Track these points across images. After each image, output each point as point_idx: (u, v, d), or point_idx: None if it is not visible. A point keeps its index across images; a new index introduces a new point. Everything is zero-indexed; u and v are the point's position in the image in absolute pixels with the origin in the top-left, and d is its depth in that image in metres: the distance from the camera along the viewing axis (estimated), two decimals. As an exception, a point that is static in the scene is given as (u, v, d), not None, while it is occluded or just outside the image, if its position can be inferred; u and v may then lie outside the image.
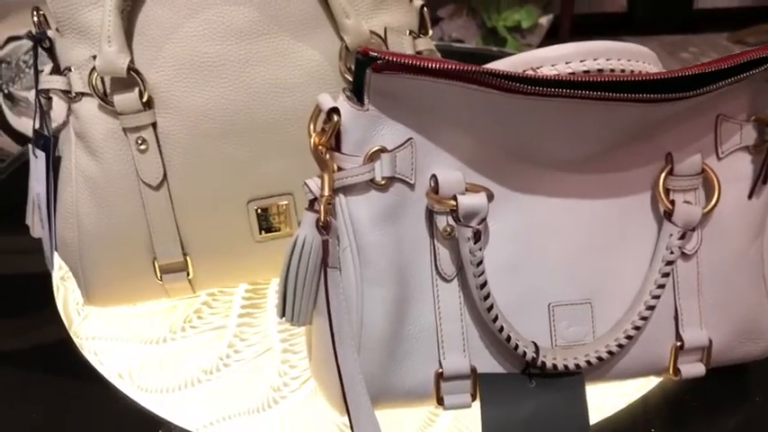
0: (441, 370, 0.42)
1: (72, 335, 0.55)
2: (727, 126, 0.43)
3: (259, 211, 0.51)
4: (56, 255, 0.53)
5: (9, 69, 1.19)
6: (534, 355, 0.41)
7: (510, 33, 1.77)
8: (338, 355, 0.38)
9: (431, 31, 0.53)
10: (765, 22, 2.06)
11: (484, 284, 0.40)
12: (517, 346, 0.41)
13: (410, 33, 0.52)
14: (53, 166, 0.50)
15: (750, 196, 0.44)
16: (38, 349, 0.56)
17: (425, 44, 0.52)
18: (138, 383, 0.51)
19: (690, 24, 2.16)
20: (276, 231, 0.52)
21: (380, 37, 0.50)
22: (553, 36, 1.82)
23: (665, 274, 0.42)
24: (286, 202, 0.51)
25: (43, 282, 0.58)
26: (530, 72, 0.39)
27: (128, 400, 0.50)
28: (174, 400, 0.50)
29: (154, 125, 0.48)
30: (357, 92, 0.38)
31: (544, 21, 1.81)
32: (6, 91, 1.18)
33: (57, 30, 0.47)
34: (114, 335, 0.55)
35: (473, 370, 0.42)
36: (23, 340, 0.57)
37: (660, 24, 2.13)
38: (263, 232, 0.52)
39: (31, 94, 0.97)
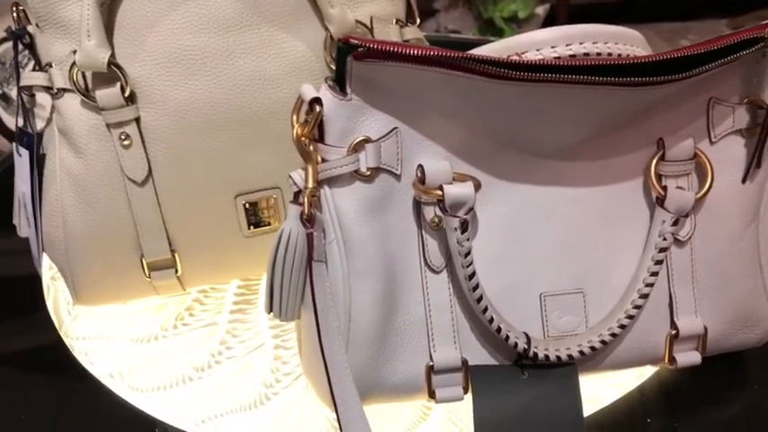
0: (431, 363, 0.41)
1: (62, 335, 0.54)
2: (719, 109, 0.42)
3: (247, 205, 0.50)
4: (45, 254, 0.52)
5: (3, 70, 1.18)
6: (526, 346, 0.41)
7: (507, 24, 1.76)
8: (325, 351, 0.37)
9: (418, 20, 0.52)
10: (764, 8, 2.04)
11: (472, 275, 0.39)
12: (508, 338, 0.40)
13: (397, 22, 0.51)
14: (38, 163, 0.50)
15: (744, 180, 0.43)
16: (29, 350, 0.55)
17: (413, 33, 0.51)
18: (130, 383, 0.51)
19: (688, 12, 2.14)
20: (265, 226, 0.51)
21: (366, 26, 0.49)
22: (550, 26, 1.81)
23: (659, 262, 0.42)
24: (274, 196, 0.51)
25: (33, 282, 0.58)
26: (514, 57, 0.38)
27: (119, 400, 0.49)
28: (166, 398, 0.49)
29: (137, 120, 0.47)
30: (339, 81, 0.38)
31: (541, 10, 1.80)
32: (1, 92, 1.18)
33: (36, 25, 0.47)
34: (105, 334, 0.54)
35: (464, 362, 0.41)
36: (14, 342, 0.56)
37: (658, 12, 2.11)
38: (251, 227, 0.51)
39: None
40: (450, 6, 1.84)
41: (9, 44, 1.21)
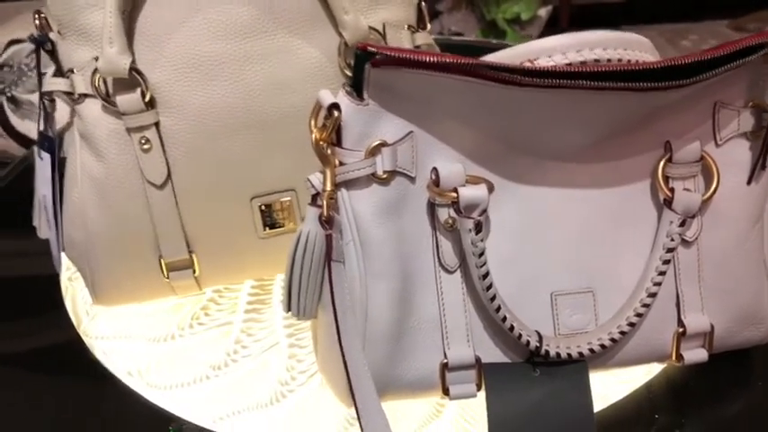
0: (445, 360, 0.42)
1: (81, 334, 0.55)
2: (724, 113, 0.43)
3: (263, 207, 0.52)
4: (63, 255, 0.53)
5: (11, 73, 1.19)
6: (537, 344, 0.42)
7: (509, 25, 1.77)
8: (344, 349, 0.38)
9: (429, 26, 0.53)
10: (765, 9, 2.05)
11: (486, 275, 0.40)
12: (520, 336, 0.41)
13: (408, 28, 0.52)
14: (58, 167, 0.51)
15: (749, 182, 0.44)
16: (48, 350, 0.56)
17: (424, 38, 0.52)
18: (148, 381, 0.51)
19: (689, 12, 2.15)
20: (280, 227, 0.53)
21: (379, 32, 0.50)
22: (552, 27, 1.82)
23: (666, 261, 0.43)
24: (289, 198, 0.52)
25: (51, 283, 0.59)
26: (527, 63, 0.39)
27: (137, 398, 0.50)
28: (183, 396, 0.50)
29: (157, 125, 0.48)
30: (356, 87, 0.39)
31: (543, 12, 1.80)
32: (9, 94, 1.19)
33: (58, 32, 0.48)
34: (123, 333, 0.55)
35: (477, 360, 0.42)
36: (33, 341, 0.57)
37: (660, 13, 2.12)
38: (267, 228, 0.52)
39: (34, 97, 0.97)
40: (453, 8, 1.84)
41: (16, 47, 1.22)
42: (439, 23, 1.83)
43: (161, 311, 0.56)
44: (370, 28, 0.49)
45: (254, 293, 0.58)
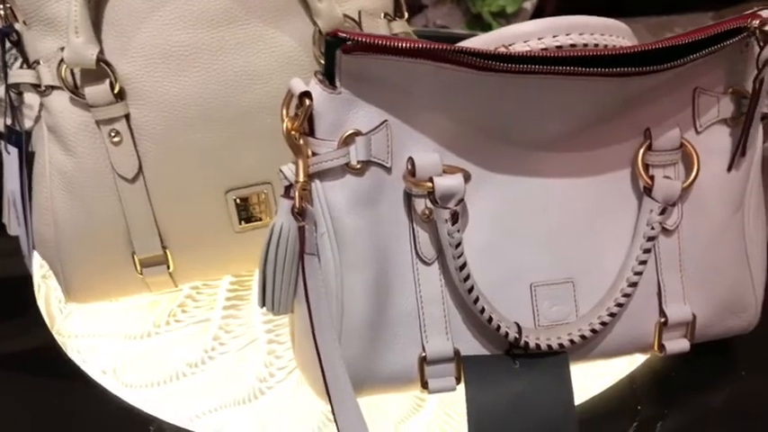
0: (424, 354, 0.42)
1: (55, 334, 0.54)
2: (704, 99, 0.42)
3: (238, 201, 0.51)
4: (35, 253, 0.52)
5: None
6: (517, 336, 0.41)
7: (495, 19, 1.76)
8: (318, 343, 0.37)
9: (406, 14, 0.52)
10: (748, 2, 2.06)
11: (463, 266, 0.39)
12: (499, 327, 0.41)
13: (385, 16, 0.51)
14: (27, 161, 0.50)
15: (729, 169, 0.43)
16: (21, 349, 0.55)
17: (401, 27, 0.51)
18: (123, 380, 0.51)
19: (675, 5, 2.16)
20: (257, 221, 0.52)
21: (354, 20, 0.49)
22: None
23: (647, 251, 0.42)
24: (265, 192, 0.51)
25: (24, 281, 0.57)
26: (502, 49, 0.38)
27: (113, 397, 0.49)
28: (160, 394, 0.50)
29: (127, 117, 0.47)
30: (329, 75, 0.38)
31: (528, 5, 1.80)
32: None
33: (24, 22, 0.46)
34: (97, 332, 0.54)
35: (456, 352, 0.42)
36: (6, 341, 0.56)
37: (645, 6, 2.13)
38: (243, 222, 0.51)
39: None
40: (439, 2, 1.84)
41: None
42: (424, 17, 1.82)
43: (137, 309, 0.55)
44: (345, 16, 0.49)
45: (233, 289, 0.57)
